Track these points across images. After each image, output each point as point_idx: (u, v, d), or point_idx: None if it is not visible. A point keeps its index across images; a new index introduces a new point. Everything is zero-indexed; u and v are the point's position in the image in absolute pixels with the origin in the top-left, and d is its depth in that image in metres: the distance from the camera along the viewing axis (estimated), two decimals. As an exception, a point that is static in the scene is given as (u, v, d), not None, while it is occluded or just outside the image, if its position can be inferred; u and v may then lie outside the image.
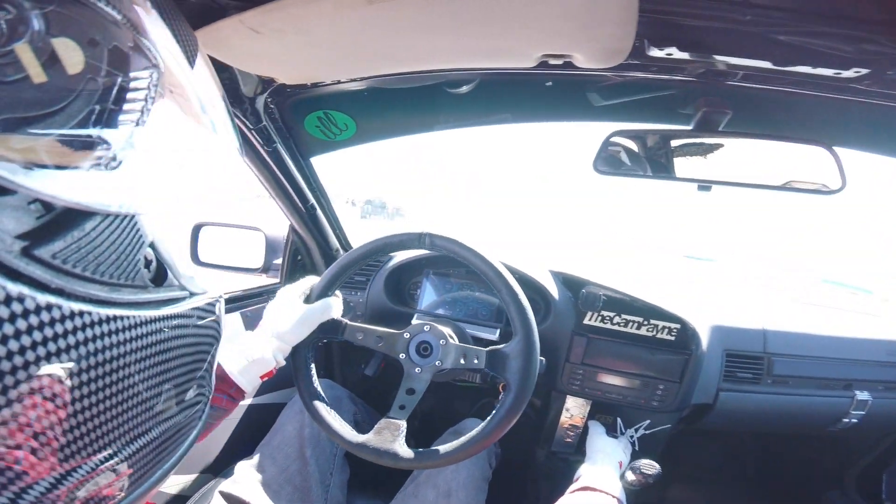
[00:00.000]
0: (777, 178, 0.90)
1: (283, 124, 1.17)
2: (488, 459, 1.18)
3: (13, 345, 0.24)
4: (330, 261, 1.46)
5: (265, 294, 1.41)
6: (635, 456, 1.33)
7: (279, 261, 1.45)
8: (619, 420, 1.33)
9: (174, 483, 1.16)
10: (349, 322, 0.88)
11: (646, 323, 1.19)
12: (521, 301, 0.82)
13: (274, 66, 0.93)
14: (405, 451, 0.80)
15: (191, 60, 0.35)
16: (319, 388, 0.87)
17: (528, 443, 1.54)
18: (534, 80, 1.00)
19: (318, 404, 0.85)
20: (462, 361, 0.86)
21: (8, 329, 0.23)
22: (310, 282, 0.89)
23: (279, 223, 1.43)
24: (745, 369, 1.30)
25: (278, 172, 1.22)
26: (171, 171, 0.34)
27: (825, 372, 1.33)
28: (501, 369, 0.83)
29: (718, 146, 0.90)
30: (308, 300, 0.85)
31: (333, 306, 0.85)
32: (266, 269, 1.40)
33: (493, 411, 0.81)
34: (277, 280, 1.47)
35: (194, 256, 1.37)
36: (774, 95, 0.81)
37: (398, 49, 0.84)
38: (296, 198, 1.30)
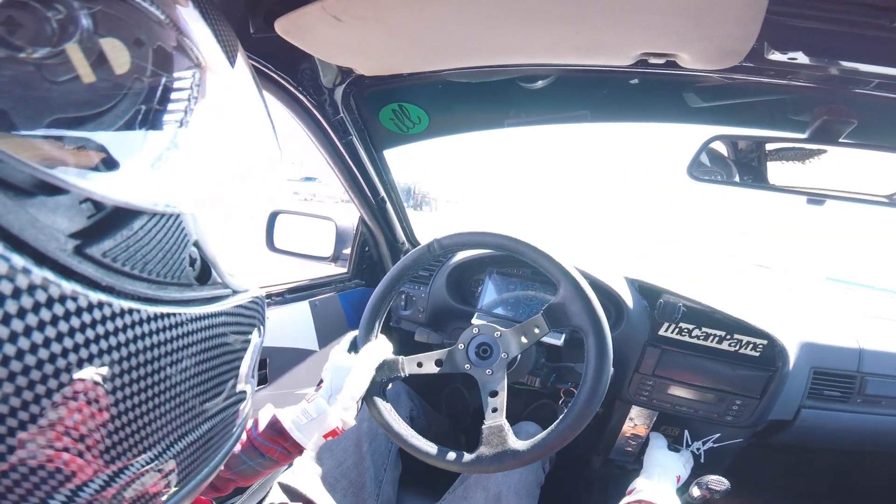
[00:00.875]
0: (886, 189, 0.82)
1: (359, 116, 1.18)
2: (542, 463, 1.17)
3: (68, 342, 0.24)
4: (396, 253, 1.49)
5: (333, 284, 1.46)
6: (700, 469, 1.29)
7: (348, 250, 1.49)
8: (686, 432, 1.29)
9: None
10: (404, 358, 0.88)
11: (728, 337, 1.14)
12: (545, 253, 0.80)
13: (353, 57, 0.93)
14: (521, 444, 0.79)
15: (231, 60, 0.35)
16: (408, 427, 0.85)
17: (584, 448, 1.52)
18: (620, 77, 0.96)
19: (418, 442, 0.84)
20: (524, 340, 0.84)
21: (63, 326, 0.24)
22: (351, 335, 0.90)
23: (350, 214, 1.46)
24: (834, 387, 1.24)
25: (351, 164, 1.25)
26: (214, 170, 0.35)
27: (926, 393, 1.24)
28: (566, 319, 0.80)
29: (825, 155, 0.83)
30: (355, 351, 0.86)
31: (376, 351, 0.84)
32: (336, 258, 1.44)
33: (584, 366, 0.78)
34: (346, 270, 1.51)
35: (270, 242, 1.43)
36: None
37: (486, 41, 0.82)
38: (367, 190, 1.32)
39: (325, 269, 1.50)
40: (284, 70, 0.98)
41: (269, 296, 1.26)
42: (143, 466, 0.30)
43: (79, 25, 0.24)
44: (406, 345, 1.61)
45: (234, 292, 0.41)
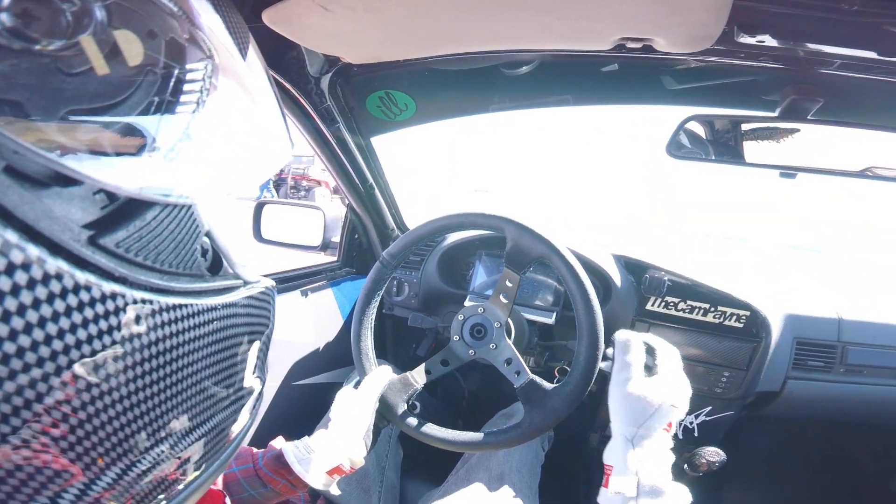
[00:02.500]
0: (858, 164, 0.91)
1: (346, 104, 1.22)
2: (541, 442, 1.22)
3: (81, 333, 0.25)
4: (385, 240, 1.55)
5: (323, 273, 1.51)
6: (695, 442, 1.36)
7: (337, 238, 1.54)
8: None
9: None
10: (411, 373, 0.90)
11: (713, 310, 1.22)
12: (478, 213, 0.87)
13: (341, 45, 0.97)
14: (542, 405, 0.81)
15: (243, 51, 0.37)
16: (449, 431, 0.87)
17: (581, 428, 1.59)
18: (600, 62, 1.01)
19: (466, 436, 0.86)
20: (505, 301, 0.87)
21: (77, 317, 0.24)
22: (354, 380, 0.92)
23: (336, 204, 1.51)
24: (817, 358, 1.31)
25: (339, 152, 1.30)
26: (227, 161, 0.36)
27: (905, 362, 1.31)
28: (526, 256, 0.83)
29: (797, 132, 0.91)
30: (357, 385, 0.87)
31: (375, 381, 0.85)
32: (325, 247, 1.49)
33: (564, 284, 0.83)
34: (335, 258, 1.56)
35: (257, 233, 1.47)
36: (875, 84, 0.81)
37: (471, 28, 0.87)
38: (355, 177, 1.38)
39: (316, 258, 1.55)
40: (271, 60, 1.02)
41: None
42: (153, 457, 0.31)
43: (93, 17, 0.25)
44: (400, 331, 1.68)
45: (246, 283, 0.42)
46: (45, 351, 0.23)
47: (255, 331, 0.43)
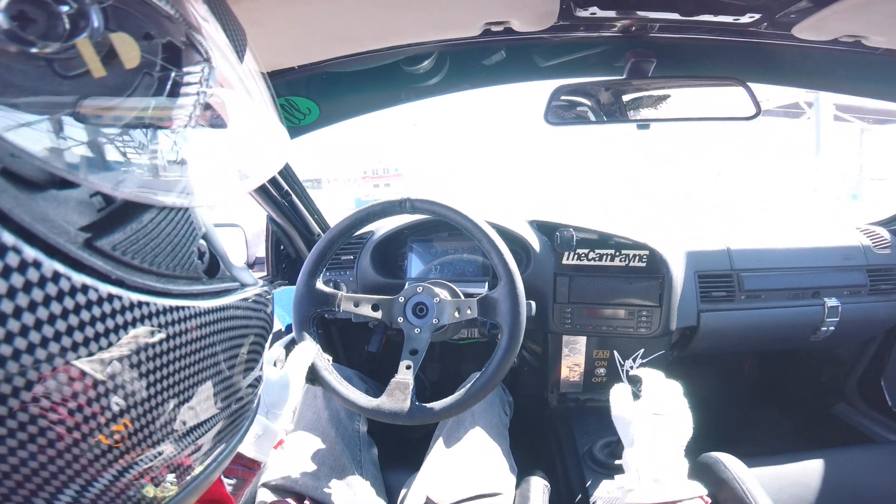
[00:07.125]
0: (704, 112, 1.17)
1: (246, 115, 1.33)
2: (502, 408, 1.33)
3: (78, 336, 0.26)
4: (312, 247, 1.64)
5: (255, 287, 1.57)
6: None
7: (262, 253, 1.62)
8: (615, 353, 1.55)
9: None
10: (344, 294, 1.00)
11: (618, 254, 1.43)
12: (500, 248, 0.97)
13: None
14: (418, 407, 0.93)
15: (240, 54, 0.39)
16: (328, 362, 0.99)
17: (537, 389, 1.76)
18: (484, 49, 1.20)
19: (330, 376, 0.97)
20: (457, 315, 1.00)
21: (73, 320, 0.25)
22: (276, 350, 0.98)
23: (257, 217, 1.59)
24: (719, 288, 1.53)
25: (248, 164, 1.39)
26: (224, 164, 0.39)
27: (792, 282, 1.56)
28: (493, 314, 0.97)
29: (652, 93, 1.15)
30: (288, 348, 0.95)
31: (303, 358, 0.91)
32: (251, 264, 1.57)
33: (492, 355, 0.95)
34: (265, 273, 1.64)
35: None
36: (691, 42, 1.04)
37: (352, 29, 1.01)
38: (269, 187, 1.46)
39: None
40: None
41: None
42: (152, 455, 0.33)
43: (90, 20, 0.26)
44: (347, 333, 1.77)
45: (243, 286, 0.44)
46: (41, 353, 0.24)
47: (251, 333, 0.45)
